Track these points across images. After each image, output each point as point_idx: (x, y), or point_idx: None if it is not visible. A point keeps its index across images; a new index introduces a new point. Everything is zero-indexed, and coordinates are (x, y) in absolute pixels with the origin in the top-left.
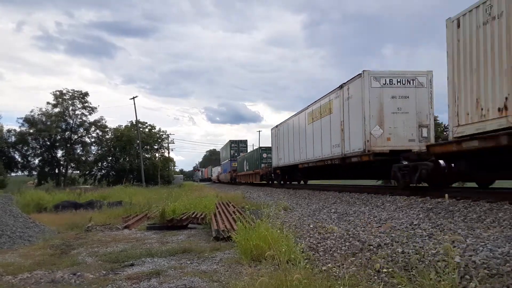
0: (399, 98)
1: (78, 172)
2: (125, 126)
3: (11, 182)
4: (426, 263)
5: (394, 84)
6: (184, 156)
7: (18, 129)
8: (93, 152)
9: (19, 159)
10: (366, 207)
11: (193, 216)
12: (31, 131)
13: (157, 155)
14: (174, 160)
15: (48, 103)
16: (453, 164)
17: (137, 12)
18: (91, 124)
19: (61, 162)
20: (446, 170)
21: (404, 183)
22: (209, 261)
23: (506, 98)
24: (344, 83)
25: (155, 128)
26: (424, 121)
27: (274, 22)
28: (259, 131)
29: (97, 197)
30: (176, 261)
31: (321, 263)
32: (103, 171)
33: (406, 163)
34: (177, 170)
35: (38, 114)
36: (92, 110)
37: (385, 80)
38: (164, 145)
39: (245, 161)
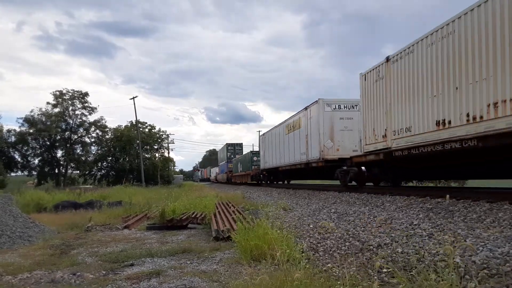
0: (345, 119)
1: (78, 172)
2: (125, 126)
3: (11, 182)
4: (426, 263)
5: (342, 108)
6: (184, 156)
7: (18, 129)
8: (93, 152)
9: (19, 159)
10: (366, 207)
11: (193, 216)
12: (31, 131)
13: (157, 155)
14: (174, 160)
15: (48, 103)
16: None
17: (137, 12)
18: (91, 124)
19: (61, 162)
20: (366, 173)
21: (343, 182)
22: (209, 261)
23: (386, 129)
24: (307, 106)
25: (155, 128)
26: None
27: (274, 22)
28: (259, 131)
29: (97, 197)
30: (176, 261)
31: (321, 263)
32: (103, 171)
33: (345, 167)
34: (177, 170)
35: (38, 114)
36: (92, 110)
37: (335, 105)
38: (164, 145)
39: (239, 163)
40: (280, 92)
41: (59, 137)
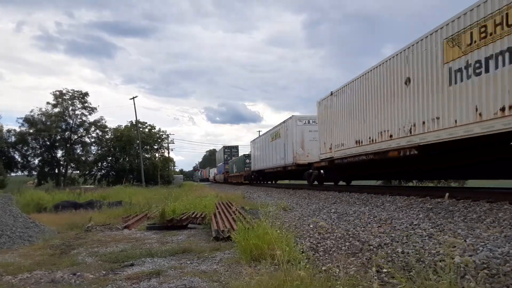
0: (313, 132)
1: (78, 172)
2: (125, 126)
3: (11, 182)
4: (426, 263)
5: (311, 123)
6: (184, 156)
7: (18, 129)
8: (93, 152)
9: (19, 159)
10: (366, 207)
11: (193, 216)
12: (31, 131)
13: (157, 155)
14: (174, 160)
15: (48, 103)
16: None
17: (137, 12)
18: (91, 124)
19: (61, 162)
20: (324, 175)
21: (308, 182)
22: (209, 261)
23: (331, 144)
24: (285, 120)
25: (155, 128)
26: None
27: (274, 22)
28: (259, 131)
29: (97, 197)
30: (176, 261)
31: (321, 263)
32: (103, 171)
33: (310, 170)
34: (177, 170)
35: (38, 114)
36: (92, 110)
37: (305, 121)
38: (164, 145)
39: (234, 165)
40: (280, 92)
41: (59, 137)
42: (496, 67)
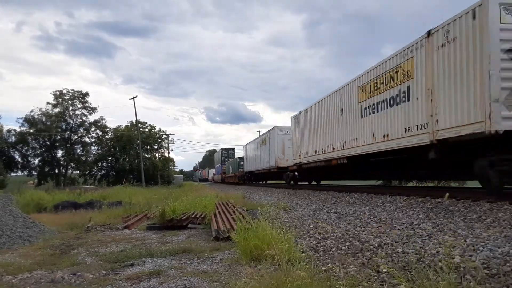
0: (292, 140)
1: (78, 172)
2: (125, 126)
3: (11, 182)
4: (426, 263)
5: (289, 133)
6: (184, 156)
7: (18, 129)
8: (93, 152)
9: (19, 159)
10: (366, 207)
11: (193, 216)
12: (31, 131)
13: (157, 155)
14: (174, 160)
15: (48, 103)
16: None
17: (137, 12)
18: (91, 124)
19: (61, 162)
20: (297, 176)
21: (286, 182)
22: (209, 261)
23: (300, 151)
24: (269, 130)
25: (155, 128)
26: None
27: (274, 22)
28: (259, 131)
29: (97, 197)
30: (176, 261)
31: (321, 263)
32: (103, 171)
33: (288, 173)
34: (177, 170)
35: (38, 114)
36: (92, 110)
37: (286, 131)
38: (164, 145)
39: (230, 166)
40: (280, 92)
41: (59, 137)
42: (382, 109)
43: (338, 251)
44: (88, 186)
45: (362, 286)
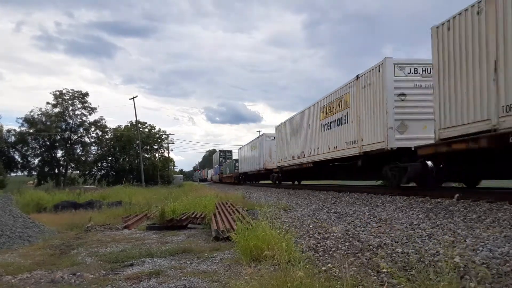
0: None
1: (78, 172)
2: (125, 126)
3: (11, 182)
4: (426, 263)
5: (275, 139)
6: (184, 156)
7: (18, 129)
8: (93, 152)
9: (19, 159)
10: (366, 207)
11: (193, 216)
12: (31, 131)
13: (156, 155)
14: (174, 160)
15: (48, 103)
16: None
17: (137, 12)
18: (91, 124)
19: (61, 162)
20: (281, 176)
21: (272, 182)
22: (209, 261)
23: (282, 156)
24: (259, 136)
25: (155, 128)
26: None
27: (274, 22)
28: (258, 131)
29: (96, 197)
30: (176, 261)
31: (321, 263)
32: (102, 171)
33: (274, 174)
34: (177, 170)
35: (38, 114)
36: (92, 110)
37: (272, 137)
38: (164, 145)
39: (227, 167)
40: (280, 92)
41: (59, 137)
42: (333, 127)
43: (338, 251)
44: (88, 186)
45: (362, 286)
